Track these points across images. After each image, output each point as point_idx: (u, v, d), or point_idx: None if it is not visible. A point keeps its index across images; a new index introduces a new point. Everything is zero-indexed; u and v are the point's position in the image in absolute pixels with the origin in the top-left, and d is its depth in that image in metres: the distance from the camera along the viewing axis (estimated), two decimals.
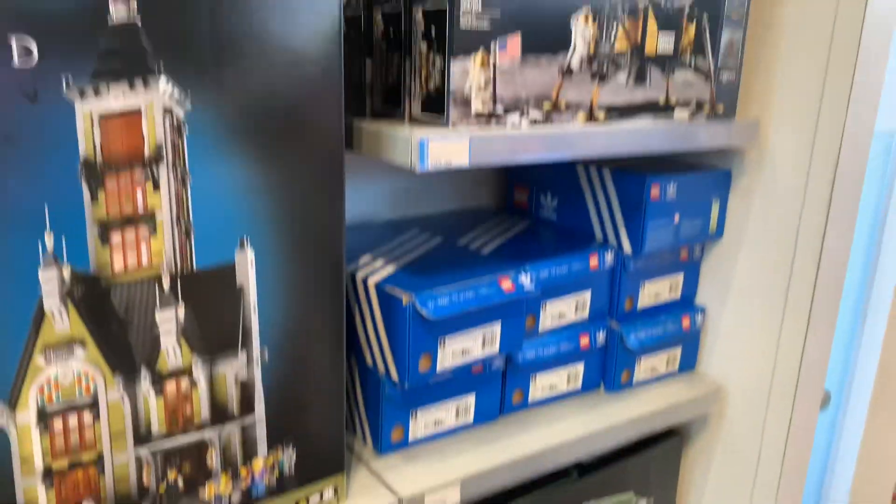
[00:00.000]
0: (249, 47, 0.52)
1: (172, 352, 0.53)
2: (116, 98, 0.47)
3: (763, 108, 0.87)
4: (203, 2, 0.49)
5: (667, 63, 0.73)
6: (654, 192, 0.84)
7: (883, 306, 0.98)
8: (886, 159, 0.93)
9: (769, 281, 0.89)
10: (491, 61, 0.63)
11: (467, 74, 0.62)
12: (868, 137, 0.83)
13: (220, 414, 0.57)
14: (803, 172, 0.84)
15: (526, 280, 0.76)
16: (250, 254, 0.55)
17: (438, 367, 0.71)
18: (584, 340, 0.87)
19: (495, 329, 0.75)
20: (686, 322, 0.95)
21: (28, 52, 0.44)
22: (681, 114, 0.76)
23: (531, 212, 1.00)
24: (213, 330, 0.55)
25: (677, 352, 0.96)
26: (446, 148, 0.61)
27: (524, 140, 0.66)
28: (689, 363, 0.98)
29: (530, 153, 0.66)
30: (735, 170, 0.91)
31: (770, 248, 0.88)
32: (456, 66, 0.61)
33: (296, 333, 0.60)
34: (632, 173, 0.85)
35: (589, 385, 0.91)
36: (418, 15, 0.64)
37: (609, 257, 0.87)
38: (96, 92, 0.46)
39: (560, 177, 0.95)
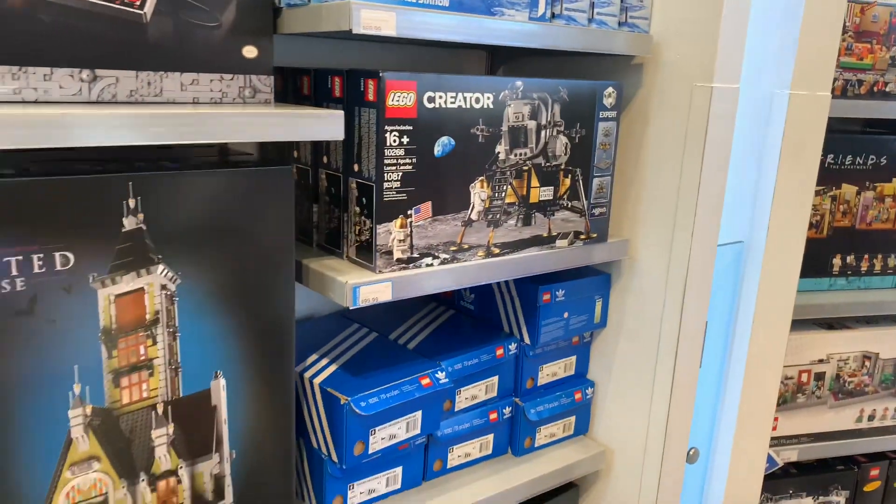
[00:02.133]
0: (223, 236, 0.71)
1: (164, 459, 0.71)
2: (127, 283, 0.65)
3: (632, 228, 1.09)
4: (189, 210, 0.68)
5: (547, 208, 0.95)
6: (546, 297, 1.05)
7: (738, 373, 1.21)
8: (737, 263, 1.16)
9: (641, 359, 1.10)
10: (408, 222, 0.83)
11: (390, 233, 0.82)
12: (712, 247, 1.06)
13: (198, 501, 0.74)
14: (663, 276, 1.06)
15: (441, 376, 0.96)
16: (222, 381, 0.74)
17: (370, 450, 0.90)
18: (493, 415, 1.07)
19: (417, 416, 0.95)
20: (578, 395, 1.16)
21: (67, 260, 0.62)
22: (561, 242, 0.98)
23: (454, 301, 1.20)
24: (195, 440, 0.73)
25: (572, 419, 1.17)
26: (373, 289, 0.80)
27: (435, 276, 0.86)
28: (582, 428, 1.19)
29: (441, 284, 0.86)
30: (614, 274, 1.13)
31: (641, 333, 1.10)
32: (381, 228, 0.81)
33: (256, 434, 0.78)
34: (528, 283, 1.06)
35: (498, 451, 1.11)
36: (353, 184, 0.84)
37: (513, 348, 1.07)
38: (113, 281, 0.64)
39: None
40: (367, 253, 0.83)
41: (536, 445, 1.13)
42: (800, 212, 1.17)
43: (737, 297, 1.19)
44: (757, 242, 1.17)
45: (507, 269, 0.92)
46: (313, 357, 0.97)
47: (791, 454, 1.39)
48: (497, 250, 0.91)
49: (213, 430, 0.74)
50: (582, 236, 1.00)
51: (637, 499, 1.15)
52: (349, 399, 0.86)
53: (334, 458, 0.89)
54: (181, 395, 0.71)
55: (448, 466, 1.05)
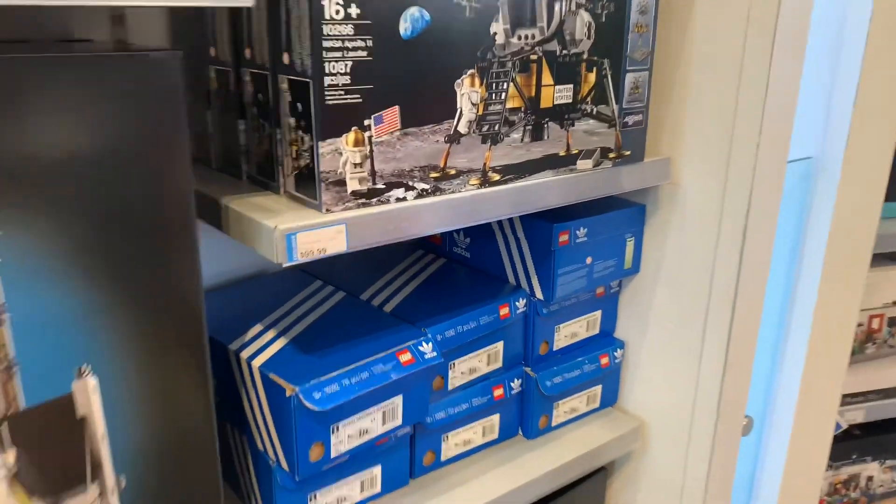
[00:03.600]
0: (76, 166, 0.45)
1: (4, 501, 0.47)
2: None
3: (674, 144, 0.83)
4: (17, 126, 0.42)
5: (565, 115, 0.68)
6: (563, 237, 0.80)
7: (803, 330, 0.97)
8: (804, 186, 0.91)
9: (687, 312, 0.86)
10: (366, 137, 0.57)
11: (340, 154, 0.56)
12: (782, 167, 0.80)
13: None
14: (717, 206, 0.81)
15: (427, 349, 0.72)
16: (91, 381, 0.49)
17: (333, 453, 0.67)
18: (499, 391, 0.84)
19: (396, 403, 0.71)
20: (605, 359, 0.92)
21: None
22: (584, 163, 0.72)
23: (445, 248, 0.95)
24: (53, 468, 0.49)
25: (597, 390, 0.94)
26: (318, 236, 0.55)
27: (410, 214, 0.60)
28: (609, 399, 0.96)
29: (419, 227, 0.61)
30: (649, 205, 0.88)
31: (687, 281, 0.85)
32: (326, 147, 0.56)
33: (159, 449, 0.54)
34: (539, 220, 0.81)
35: (506, 434, 0.88)
36: (284, 83, 0.58)
37: (521, 305, 0.83)
38: None
39: None
40: (309, 185, 0.58)
41: (554, 424, 0.90)
42: (888, 119, 0.91)
43: (802, 228, 0.94)
44: (831, 158, 0.91)
45: (511, 202, 0.67)
46: (255, 330, 0.73)
47: (857, 415, 1.16)
48: (497, 176, 0.66)
49: (85, 452, 0.50)
50: (611, 155, 0.74)
51: (681, 480, 0.92)
52: (297, 389, 0.62)
53: (284, 465, 0.66)
54: (22, 406, 0.47)
55: (443, 459, 0.82)
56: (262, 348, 0.69)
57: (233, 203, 0.60)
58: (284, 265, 0.54)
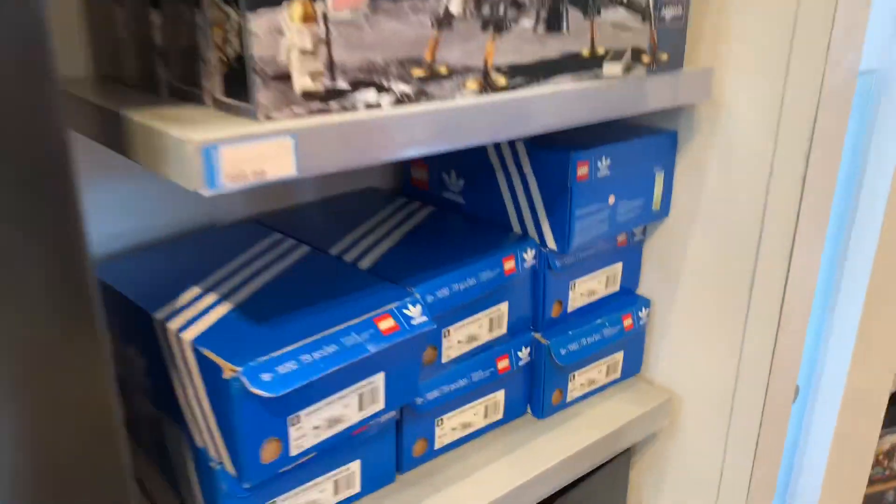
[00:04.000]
0: None
1: None
2: None
3: (717, 53, 0.66)
4: None
5: (590, 1, 0.52)
6: (582, 171, 0.64)
7: (861, 267, 0.82)
8: (864, 105, 0.75)
9: (730, 262, 0.71)
10: (320, 12, 0.40)
11: (280, 34, 0.39)
12: (852, 84, 0.65)
13: None
14: (771, 131, 0.65)
15: (415, 312, 0.56)
16: None
17: (293, 450, 0.51)
18: (503, 363, 0.68)
19: (377, 382, 0.55)
20: (628, 321, 0.76)
21: None
22: (612, 69, 0.55)
23: (433, 194, 0.79)
24: None
25: (619, 357, 0.78)
26: (253, 152, 0.39)
27: (386, 128, 0.44)
28: (632, 367, 0.81)
29: (396, 148, 0.45)
30: (683, 131, 0.71)
31: (730, 223, 0.70)
32: (259, 24, 0.39)
33: (40, 473, 0.38)
34: (551, 149, 0.64)
35: (513, 413, 0.73)
36: None
37: (529, 257, 0.67)
38: None
39: (466, 151, 0.73)
40: (240, 83, 0.41)
41: (569, 400, 0.75)
42: None
43: (861, 155, 0.79)
44: None
45: (522, 115, 0.50)
46: (190, 294, 0.56)
47: None
48: (502, 80, 0.49)
49: None
50: (645, 58, 0.58)
51: (719, 464, 0.78)
52: (239, 370, 0.46)
53: (230, 468, 0.50)
54: None
55: (437, 447, 0.67)
56: (196, 317, 0.53)
57: (138, 116, 0.43)
58: (206, 193, 0.38)
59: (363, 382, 0.54)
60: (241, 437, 0.48)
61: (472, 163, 0.73)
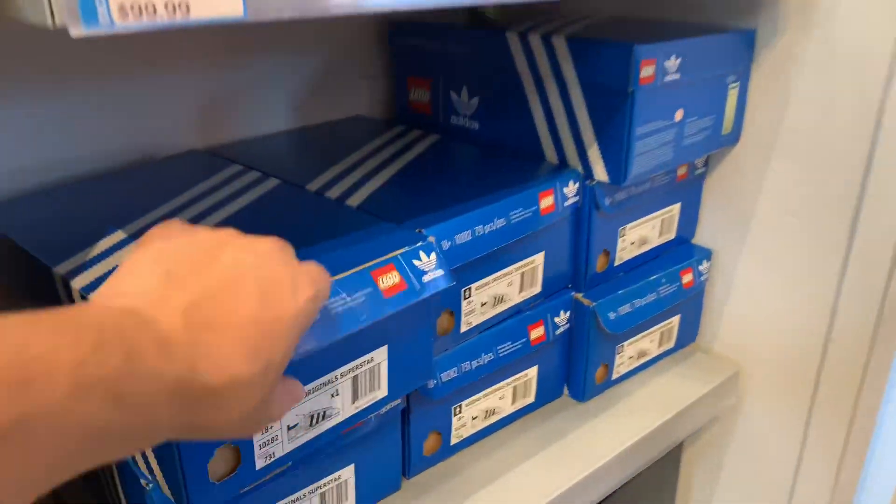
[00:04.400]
0: None
1: None
2: None
3: None
4: None
5: None
6: (646, 71, 0.47)
7: None
8: None
9: (824, 200, 0.55)
10: None
11: None
12: None
13: None
14: (889, 26, 0.49)
15: (427, 263, 0.39)
16: None
17: (259, 463, 0.35)
18: (537, 332, 0.52)
19: (377, 363, 0.39)
20: (687, 277, 0.61)
21: None
22: None
23: (437, 120, 0.62)
24: None
25: (674, 323, 0.63)
26: None
27: None
28: (688, 336, 0.65)
29: None
30: (763, 29, 0.55)
31: (826, 151, 0.54)
32: None
33: None
34: (606, 43, 0.48)
35: (547, 396, 0.57)
36: None
37: (571, 192, 0.51)
38: None
39: (482, 59, 0.57)
40: None
41: (615, 377, 0.60)
42: None
43: None
44: None
45: None
46: (105, 243, 0.40)
47: None
48: None
49: None
50: None
51: (796, 453, 0.63)
52: None
53: (166, 488, 0.34)
54: None
55: (453, 443, 0.51)
56: (110, 272, 0.36)
57: None
58: (74, 33, 0.21)
59: (357, 362, 0.38)
60: (177, 452, 0.31)
61: (490, 73, 0.56)
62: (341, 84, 0.66)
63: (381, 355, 0.39)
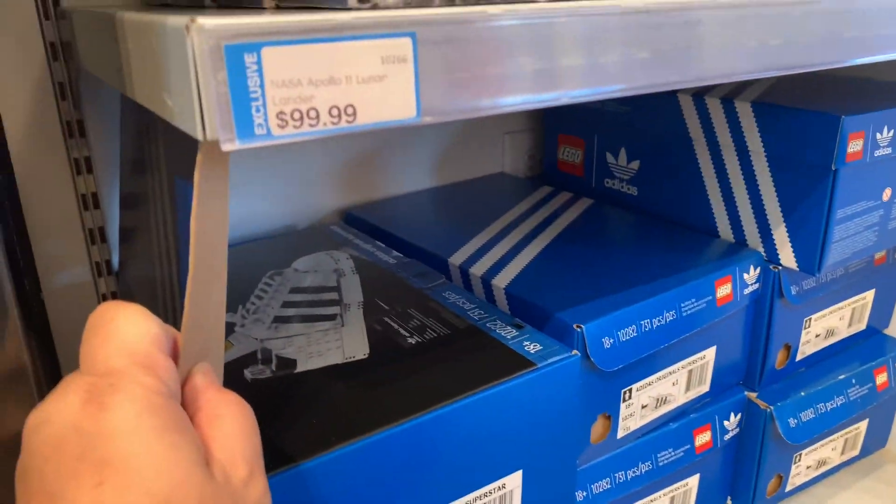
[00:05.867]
0: None
1: None
2: None
3: None
4: None
5: None
6: (854, 146, 0.40)
7: None
8: None
9: None
10: None
11: None
12: None
13: None
14: None
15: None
16: None
17: None
18: (703, 437, 0.45)
19: (509, 490, 0.34)
20: (882, 377, 0.52)
21: None
22: None
23: (589, 182, 0.57)
24: None
25: (861, 427, 0.54)
26: (331, 64, 0.18)
27: (556, 34, 0.23)
28: (876, 441, 0.56)
29: (588, 83, 0.23)
30: None
31: None
32: None
33: None
34: (804, 112, 0.41)
35: None
36: None
37: (751, 279, 0.44)
38: None
39: (647, 119, 0.51)
40: None
41: (788, 489, 0.51)
42: None
43: None
44: None
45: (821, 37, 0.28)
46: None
47: None
48: None
49: None
50: None
51: None
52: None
53: None
54: None
55: None
56: None
57: (132, 17, 0.24)
58: (226, 147, 0.18)
59: (487, 488, 0.33)
60: None
61: (655, 136, 0.50)
62: (482, 139, 0.63)
63: (514, 481, 0.34)
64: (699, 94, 0.46)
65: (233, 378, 0.32)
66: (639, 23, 0.24)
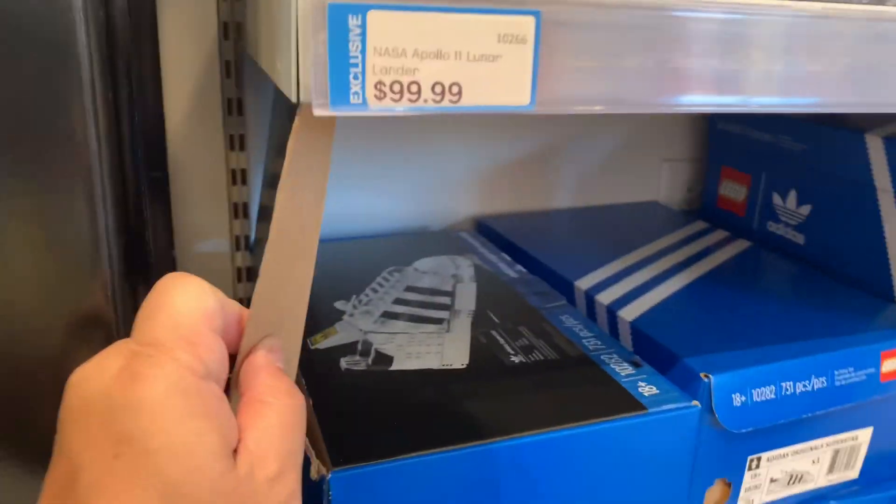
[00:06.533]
0: None
1: None
2: None
3: None
4: None
5: None
6: None
7: None
8: None
9: None
10: None
11: None
12: None
13: None
14: None
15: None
16: None
17: None
18: None
19: None
20: None
21: None
22: None
23: (750, 223, 0.51)
24: None
25: None
26: (440, 34, 0.17)
27: (739, 24, 0.19)
28: None
29: (765, 91, 0.20)
30: None
31: None
32: None
33: None
34: None
35: None
36: None
37: None
38: None
39: (825, 160, 0.45)
40: None
41: None
42: None
43: None
44: None
45: None
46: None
47: None
48: None
49: None
50: None
51: None
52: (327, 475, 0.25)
53: None
54: None
55: None
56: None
57: None
58: (318, 112, 0.17)
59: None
60: None
61: (832, 179, 0.44)
62: (638, 164, 0.59)
63: None
64: (892, 138, 0.40)
65: (328, 363, 0.32)
66: (857, 33, 0.20)
